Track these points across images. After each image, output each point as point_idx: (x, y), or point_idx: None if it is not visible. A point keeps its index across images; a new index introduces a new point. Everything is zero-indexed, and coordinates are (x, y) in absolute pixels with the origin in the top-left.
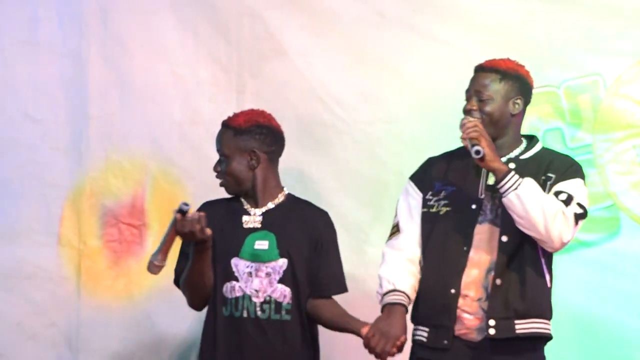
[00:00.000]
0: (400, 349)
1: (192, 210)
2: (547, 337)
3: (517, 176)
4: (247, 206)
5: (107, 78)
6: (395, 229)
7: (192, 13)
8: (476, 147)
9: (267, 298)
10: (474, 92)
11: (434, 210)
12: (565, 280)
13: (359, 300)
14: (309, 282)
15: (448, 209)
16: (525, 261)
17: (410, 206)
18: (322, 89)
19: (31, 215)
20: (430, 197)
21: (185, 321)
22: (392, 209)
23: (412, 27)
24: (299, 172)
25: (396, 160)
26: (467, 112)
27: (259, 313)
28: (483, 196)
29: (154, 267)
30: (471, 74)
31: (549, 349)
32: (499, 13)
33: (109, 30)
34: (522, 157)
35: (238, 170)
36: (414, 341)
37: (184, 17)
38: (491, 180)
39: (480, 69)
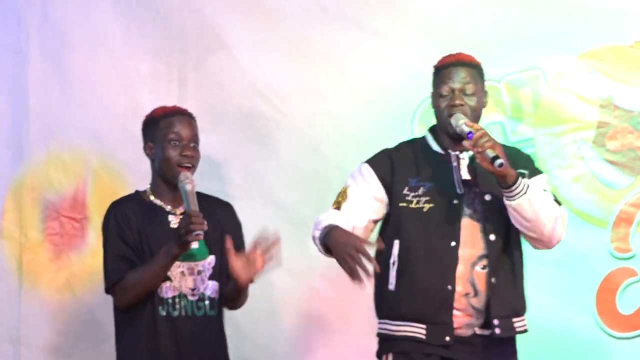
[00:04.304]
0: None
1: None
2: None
3: (524, 180)
4: (162, 204)
5: (48, 71)
6: (336, 206)
7: (133, 6)
8: (499, 160)
9: (202, 295)
10: (459, 87)
11: (413, 205)
12: None
13: (302, 295)
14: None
15: (431, 205)
16: (513, 258)
17: (362, 189)
18: (264, 83)
19: None
20: (408, 192)
21: None
22: None
23: (355, 21)
24: (241, 166)
25: (338, 154)
26: (455, 107)
27: (195, 311)
28: (462, 192)
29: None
30: (414, 68)
31: None
32: (441, 8)
33: (49, 23)
34: None
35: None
36: (405, 337)
37: (125, 9)
38: (465, 175)
39: (461, 64)
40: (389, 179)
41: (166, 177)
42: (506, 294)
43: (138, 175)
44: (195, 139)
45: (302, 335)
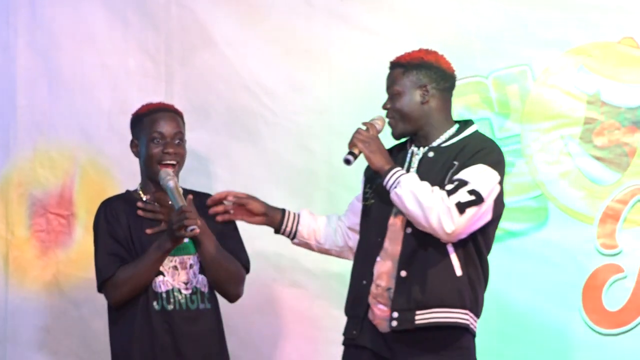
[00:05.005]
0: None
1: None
2: (461, 327)
3: (398, 174)
4: (151, 201)
5: (36, 68)
6: None
7: (120, 3)
8: (344, 157)
9: (194, 289)
10: (386, 90)
11: (366, 203)
12: (494, 270)
13: (288, 291)
14: None
15: (373, 201)
16: (429, 252)
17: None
18: (251, 79)
19: None
20: (368, 190)
21: None
22: (322, 198)
23: (341, 17)
24: (228, 162)
25: (325, 150)
26: (384, 109)
27: (189, 304)
28: None
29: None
30: None
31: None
32: (428, 3)
33: (38, 20)
34: (444, 144)
35: None
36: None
37: (113, 6)
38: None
39: (389, 68)
40: (370, 179)
41: (150, 174)
42: (413, 286)
43: (126, 172)
44: (179, 135)
45: (288, 331)
